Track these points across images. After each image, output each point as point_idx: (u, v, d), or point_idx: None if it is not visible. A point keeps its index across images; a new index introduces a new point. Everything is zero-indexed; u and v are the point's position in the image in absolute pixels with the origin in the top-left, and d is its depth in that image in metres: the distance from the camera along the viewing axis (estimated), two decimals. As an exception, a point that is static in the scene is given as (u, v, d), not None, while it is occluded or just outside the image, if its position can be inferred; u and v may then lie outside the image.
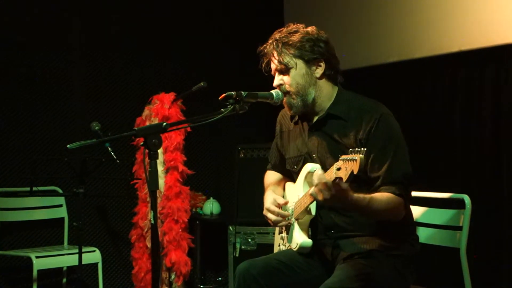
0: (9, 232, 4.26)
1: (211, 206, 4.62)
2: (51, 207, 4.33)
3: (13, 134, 4.28)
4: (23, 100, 4.32)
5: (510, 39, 3.44)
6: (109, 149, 3.39)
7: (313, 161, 2.43)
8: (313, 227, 2.45)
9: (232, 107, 2.29)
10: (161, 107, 4.16)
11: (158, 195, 4.06)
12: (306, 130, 2.49)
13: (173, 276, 4.16)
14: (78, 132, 4.44)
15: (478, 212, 2.73)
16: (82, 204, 3.55)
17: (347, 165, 1.96)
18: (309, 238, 2.42)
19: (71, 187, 4.15)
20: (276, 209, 2.48)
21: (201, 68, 4.85)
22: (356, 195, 2.12)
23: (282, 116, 2.67)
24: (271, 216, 2.50)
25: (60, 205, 4.37)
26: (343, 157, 1.98)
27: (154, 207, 2.08)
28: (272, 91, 2.43)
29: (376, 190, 2.26)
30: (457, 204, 2.68)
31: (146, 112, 4.25)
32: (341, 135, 2.36)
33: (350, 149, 1.97)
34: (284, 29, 2.44)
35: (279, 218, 2.48)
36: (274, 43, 2.41)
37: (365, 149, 1.94)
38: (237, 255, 4.20)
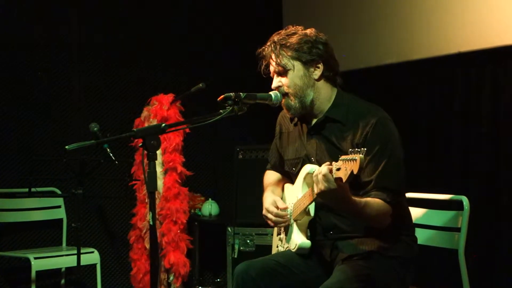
0: (8, 233, 4.26)
1: (209, 207, 4.62)
2: (50, 208, 4.33)
3: (12, 135, 4.28)
4: (22, 100, 4.32)
5: (508, 40, 3.45)
6: (108, 150, 3.39)
7: (311, 163, 2.43)
8: (312, 228, 2.45)
9: (230, 108, 2.28)
10: (160, 108, 4.16)
11: (156, 196, 4.04)
12: (305, 133, 2.49)
13: (171, 277, 4.16)
14: (76, 133, 4.43)
15: (476, 213, 2.73)
16: (80, 205, 3.55)
17: (346, 165, 1.95)
18: (307, 239, 2.42)
19: (69, 188, 4.14)
20: (275, 210, 2.48)
21: (200, 70, 4.85)
22: (353, 196, 2.12)
23: (282, 117, 2.67)
24: (271, 217, 2.50)
25: (59, 206, 4.37)
26: (343, 157, 1.98)
27: (152, 208, 2.08)
28: (271, 93, 2.43)
29: (367, 194, 2.26)
30: (455, 206, 2.68)
31: (145, 113, 4.25)
32: (339, 139, 2.36)
33: (350, 150, 1.97)
34: (283, 31, 2.45)
35: (279, 219, 2.48)
36: (272, 45, 2.42)
37: (365, 149, 1.94)
38: (235, 256, 4.20)
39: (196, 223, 4.55)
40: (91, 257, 4.06)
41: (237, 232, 4.23)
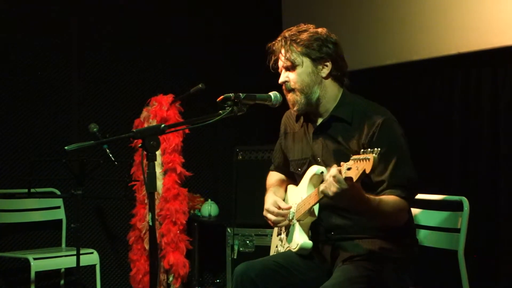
0: (7, 234, 4.26)
1: (209, 208, 4.62)
2: (49, 208, 4.33)
3: (11, 135, 4.28)
4: (21, 101, 4.32)
5: (508, 41, 3.45)
6: (107, 150, 3.39)
7: (317, 164, 2.42)
8: (313, 229, 2.45)
9: (230, 109, 2.28)
10: (159, 109, 4.16)
11: (156, 197, 4.05)
12: (310, 133, 2.49)
13: (171, 278, 4.16)
14: (76, 134, 4.43)
15: (476, 214, 2.73)
16: (80, 206, 3.55)
17: (358, 165, 1.93)
18: (309, 239, 2.41)
19: (69, 188, 4.13)
20: (276, 210, 2.48)
21: (200, 70, 4.85)
22: (367, 194, 2.11)
23: (287, 118, 2.67)
24: (271, 217, 2.50)
25: (58, 207, 4.37)
26: (355, 157, 1.97)
27: (152, 209, 2.08)
28: (270, 93, 2.43)
29: (380, 193, 2.25)
30: (455, 207, 2.68)
31: (144, 113, 4.25)
32: (345, 138, 2.36)
33: (362, 150, 1.95)
34: (294, 28, 2.46)
35: (279, 218, 2.48)
36: (283, 40, 2.42)
37: (379, 149, 1.91)
38: (235, 257, 4.20)
39: (195, 224, 4.55)
40: (91, 257, 4.06)
41: (236, 232, 4.23)
